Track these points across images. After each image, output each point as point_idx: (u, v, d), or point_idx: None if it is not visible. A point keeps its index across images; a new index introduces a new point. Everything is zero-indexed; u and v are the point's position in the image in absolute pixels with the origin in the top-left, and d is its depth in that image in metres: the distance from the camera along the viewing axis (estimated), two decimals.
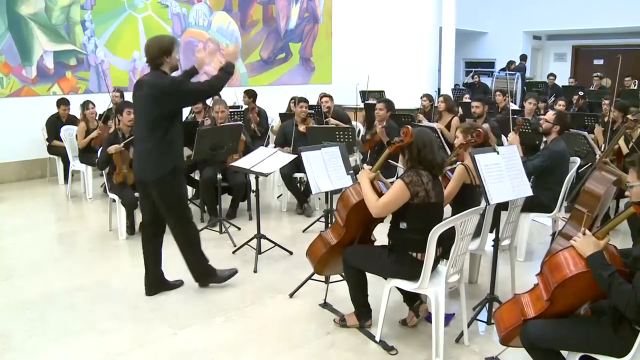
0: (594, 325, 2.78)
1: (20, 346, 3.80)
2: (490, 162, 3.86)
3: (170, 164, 4.26)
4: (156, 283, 4.61)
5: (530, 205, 4.74)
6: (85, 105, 7.89)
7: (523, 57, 16.01)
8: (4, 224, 6.70)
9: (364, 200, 3.63)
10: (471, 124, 4.72)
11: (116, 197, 5.97)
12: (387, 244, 3.73)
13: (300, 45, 12.84)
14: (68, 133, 8.00)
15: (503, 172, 3.87)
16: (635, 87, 13.04)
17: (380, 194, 3.64)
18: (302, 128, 6.86)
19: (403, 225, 3.56)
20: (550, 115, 5.39)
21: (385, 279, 3.72)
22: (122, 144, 5.84)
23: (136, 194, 5.65)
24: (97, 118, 7.85)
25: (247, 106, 8.57)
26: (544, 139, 5.61)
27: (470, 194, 4.25)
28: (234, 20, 11.56)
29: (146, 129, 4.21)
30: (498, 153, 3.95)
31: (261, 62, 12.13)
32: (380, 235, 3.99)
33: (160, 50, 4.15)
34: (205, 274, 4.68)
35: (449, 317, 4.03)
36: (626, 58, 13.15)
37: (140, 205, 4.68)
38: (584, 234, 2.77)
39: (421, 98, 9.08)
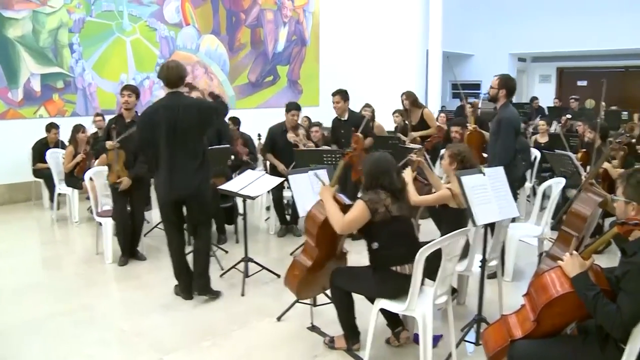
0: (581, 344, 2.79)
1: None
2: (476, 184, 3.89)
3: (210, 178, 4.93)
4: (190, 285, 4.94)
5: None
6: (78, 128, 7.85)
7: None
8: None
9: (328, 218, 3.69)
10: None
11: (103, 220, 5.94)
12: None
13: (288, 68, 12.93)
14: (54, 156, 7.96)
15: (489, 193, 3.90)
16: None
17: (343, 207, 3.69)
18: (290, 136, 6.84)
19: (375, 245, 3.60)
20: (495, 80, 5.32)
21: (372, 301, 3.72)
22: (117, 141, 5.70)
23: (128, 208, 5.87)
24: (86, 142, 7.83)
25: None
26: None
27: (457, 217, 4.28)
28: (222, 44, 11.64)
29: (192, 146, 4.65)
30: (484, 174, 3.98)
31: (249, 85, 12.19)
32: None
33: (179, 76, 4.68)
34: (209, 283, 4.95)
35: (437, 339, 4.01)
36: (609, 80, 13.42)
37: (168, 219, 4.89)
38: (571, 254, 2.79)
39: (393, 115, 9.08)
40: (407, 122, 8.33)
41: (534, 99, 14.57)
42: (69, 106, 9.39)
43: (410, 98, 8.14)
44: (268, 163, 7.24)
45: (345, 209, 3.65)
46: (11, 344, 4.14)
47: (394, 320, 3.99)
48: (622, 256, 2.81)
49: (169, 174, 4.65)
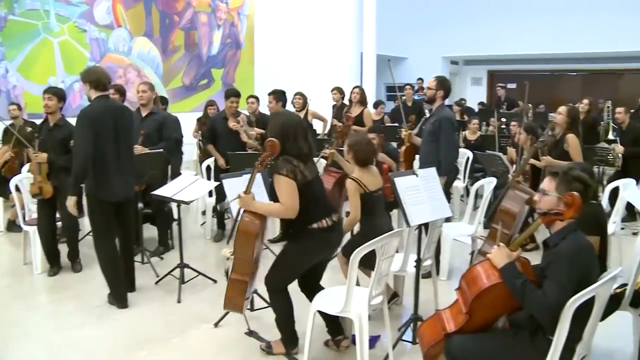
0: (512, 338, 2.91)
1: None
2: (410, 185, 3.96)
3: None
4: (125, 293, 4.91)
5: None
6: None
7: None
8: None
9: (266, 216, 3.68)
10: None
11: (30, 229, 5.72)
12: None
13: (223, 71, 12.83)
14: None
15: (422, 194, 3.97)
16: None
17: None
18: (231, 124, 6.72)
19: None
20: (432, 81, 5.42)
21: (309, 287, 3.89)
22: (36, 149, 5.49)
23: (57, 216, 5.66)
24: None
25: None
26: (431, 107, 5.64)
27: (372, 202, 4.33)
28: (155, 46, 11.44)
29: (131, 150, 4.93)
30: (417, 176, 4.06)
31: (183, 88, 12.02)
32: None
33: (109, 79, 4.78)
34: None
35: (374, 339, 4.06)
36: (537, 83, 13.93)
37: (105, 225, 4.79)
38: (498, 246, 2.90)
39: (332, 92, 8.98)
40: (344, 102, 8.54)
41: (462, 99, 14.94)
42: None
43: (362, 95, 8.18)
44: (204, 165, 7.14)
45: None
46: None
47: (334, 327, 3.99)
48: (545, 250, 2.93)
49: (116, 175, 4.67)
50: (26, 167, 6.69)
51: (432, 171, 4.27)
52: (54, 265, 5.70)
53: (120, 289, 4.82)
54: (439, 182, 4.21)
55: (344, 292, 3.52)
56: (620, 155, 7.58)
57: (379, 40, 13.47)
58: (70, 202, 4.67)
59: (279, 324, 3.86)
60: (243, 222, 3.61)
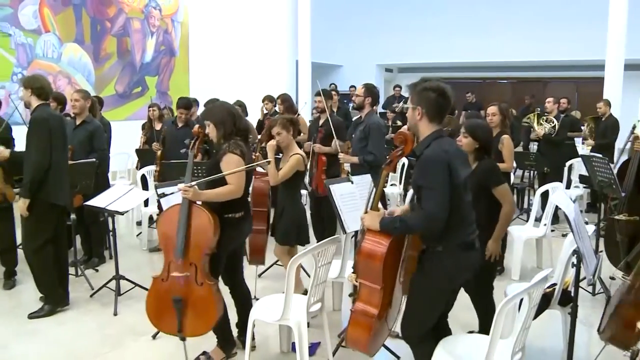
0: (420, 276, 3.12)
1: None
2: (345, 192, 4.05)
3: None
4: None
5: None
6: None
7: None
8: None
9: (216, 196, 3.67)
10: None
11: None
12: None
13: (157, 79, 12.64)
14: None
15: (357, 201, 4.06)
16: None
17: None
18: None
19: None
20: (360, 89, 5.60)
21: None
22: None
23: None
24: None
25: None
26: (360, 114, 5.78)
27: (301, 180, 4.72)
28: (87, 53, 11.16)
29: (66, 157, 4.95)
30: (352, 182, 4.15)
31: (116, 96, 11.77)
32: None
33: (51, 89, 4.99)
34: None
35: (314, 346, 4.11)
36: (469, 90, 14.39)
37: (50, 229, 4.79)
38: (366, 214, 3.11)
39: (263, 102, 8.90)
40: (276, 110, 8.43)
41: (397, 86, 15.23)
42: None
43: (286, 103, 7.86)
44: (139, 174, 7.03)
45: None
46: None
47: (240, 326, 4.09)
48: (415, 160, 3.12)
49: (64, 181, 4.78)
50: None
51: (367, 177, 4.37)
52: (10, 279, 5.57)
53: (59, 289, 4.85)
54: (373, 188, 4.31)
55: (282, 301, 3.56)
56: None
57: (314, 47, 13.60)
58: (24, 204, 4.57)
59: (215, 330, 3.84)
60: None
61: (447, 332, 3.36)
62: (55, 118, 4.78)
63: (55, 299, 4.82)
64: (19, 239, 5.56)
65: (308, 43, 13.27)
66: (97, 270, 5.93)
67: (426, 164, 2.93)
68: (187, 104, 6.76)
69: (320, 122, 6.11)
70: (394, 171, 7.50)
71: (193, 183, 3.57)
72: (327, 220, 5.80)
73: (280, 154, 4.74)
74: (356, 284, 3.15)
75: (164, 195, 3.71)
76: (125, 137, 8.98)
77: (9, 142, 5.53)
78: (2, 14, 9.75)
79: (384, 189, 5.19)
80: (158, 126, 7.50)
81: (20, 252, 5.76)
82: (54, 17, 10.57)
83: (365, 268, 3.06)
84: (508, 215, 3.89)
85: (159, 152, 6.76)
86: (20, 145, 5.05)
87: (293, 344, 3.94)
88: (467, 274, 3.15)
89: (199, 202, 3.63)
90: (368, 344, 3.10)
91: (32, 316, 4.72)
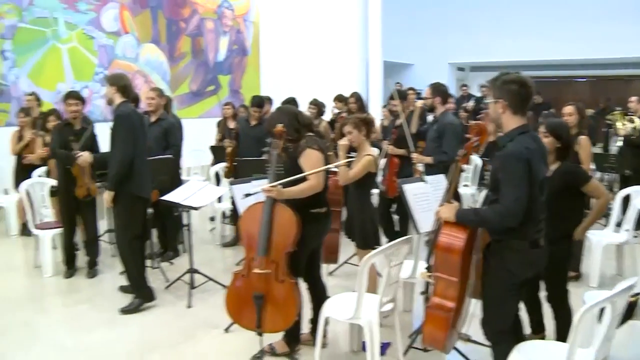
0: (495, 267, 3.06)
1: None
2: (419, 192, 3.99)
3: None
4: None
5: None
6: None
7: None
8: None
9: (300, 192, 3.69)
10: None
11: (40, 233, 5.79)
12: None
13: (230, 77, 12.87)
14: None
15: (431, 201, 4.00)
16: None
17: None
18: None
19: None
20: (427, 90, 5.52)
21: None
22: (78, 151, 5.54)
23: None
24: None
25: None
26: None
27: (372, 181, 4.60)
28: (163, 52, 11.49)
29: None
30: (426, 182, 4.09)
31: (190, 94, 12.07)
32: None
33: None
34: None
35: (385, 346, 4.08)
36: (543, 90, 13.95)
37: (139, 222, 4.95)
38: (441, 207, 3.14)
39: (333, 101, 8.84)
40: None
41: (463, 85, 14.98)
42: (2, 115, 9.06)
43: (358, 102, 7.76)
44: (213, 171, 7.20)
45: None
46: None
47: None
48: (497, 152, 3.09)
49: (146, 175, 4.93)
50: (38, 171, 6.78)
51: (441, 177, 4.31)
52: (70, 268, 5.81)
53: (148, 285, 4.99)
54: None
55: (355, 299, 3.55)
56: None
57: (384, 46, 13.50)
58: (110, 197, 4.76)
59: None
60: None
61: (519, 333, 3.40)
62: (136, 114, 4.96)
63: (144, 294, 4.95)
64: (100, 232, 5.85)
65: (379, 41, 13.17)
66: (172, 264, 6.10)
67: (507, 158, 2.91)
68: (260, 102, 6.85)
69: (397, 123, 6.06)
70: (468, 163, 7.33)
71: (275, 183, 3.61)
72: (400, 220, 5.77)
73: (354, 153, 4.72)
74: (430, 280, 3.16)
75: (249, 195, 3.75)
76: (199, 134, 9.23)
77: (93, 143, 5.81)
78: (87, 19, 10.19)
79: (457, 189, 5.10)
80: (232, 124, 7.63)
81: (102, 244, 6.04)
82: (132, 19, 10.94)
83: (442, 261, 3.07)
84: (603, 207, 3.95)
85: (229, 149, 6.88)
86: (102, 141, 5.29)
87: (363, 343, 3.93)
88: (530, 272, 3.11)
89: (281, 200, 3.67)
90: (445, 340, 3.08)
91: (124, 311, 4.82)
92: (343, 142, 4.42)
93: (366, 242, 4.44)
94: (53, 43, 9.68)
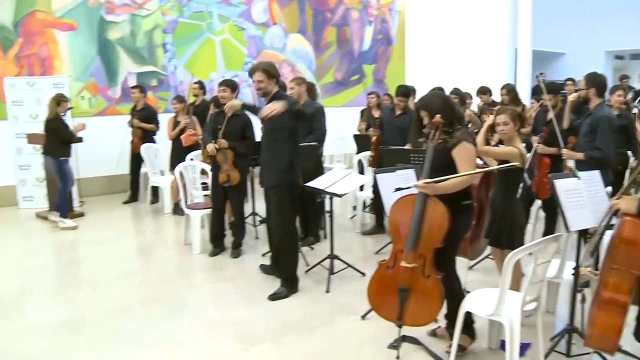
0: None
1: (100, 349, 3.97)
2: (570, 187, 3.76)
3: None
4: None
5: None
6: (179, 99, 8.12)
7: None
8: (89, 235, 7.06)
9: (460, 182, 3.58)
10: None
11: (191, 213, 6.17)
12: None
13: (374, 67, 12.91)
14: (149, 150, 8.32)
15: (584, 198, 3.75)
16: None
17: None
18: None
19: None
20: (582, 81, 5.30)
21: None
22: (219, 142, 5.84)
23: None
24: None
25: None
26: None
27: (519, 179, 4.39)
28: (309, 42, 11.77)
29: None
30: (579, 178, 3.85)
31: (335, 83, 12.26)
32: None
33: None
34: None
35: (525, 347, 3.91)
36: None
37: (294, 209, 5.15)
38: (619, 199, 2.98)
39: (477, 95, 8.66)
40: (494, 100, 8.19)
41: (623, 76, 13.79)
42: (162, 103, 9.81)
43: (511, 93, 7.51)
44: (356, 159, 7.27)
45: None
46: (107, 326, 4.40)
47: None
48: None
49: (298, 162, 5.04)
50: (192, 154, 7.24)
51: (596, 174, 4.02)
52: (217, 246, 6.15)
53: (297, 277, 5.13)
54: (602, 186, 3.95)
55: (496, 295, 3.43)
56: None
57: (534, 34, 12.84)
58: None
59: (450, 310, 3.85)
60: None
61: None
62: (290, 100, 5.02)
63: (294, 282, 5.07)
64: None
65: (529, 29, 12.52)
66: (312, 249, 6.26)
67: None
68: (406, 91, 6.79)
69: (547, 118, 5.73)
70: None
71: (430, 180, 3.53)
72: (546, 218, 5.49)
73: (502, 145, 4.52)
74: (593, 277, 3.04)
75: (400, 189, 3.73)
76: (343, 123, 9.35)
77: (245, 129, 6.04)
78: (239, 11, 10.72)
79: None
80: (376, 113, 7.65)
81: (247, 227, 6.33)
82: (280, 11, 11.31)
83: (624, 254, 2.85)
84: None
85: (374, 138, 6.89)
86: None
87: (502, 341, 3.80)
88: None
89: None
90: (618, 338, 2.86)
91: (272, 298, 4.92)
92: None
93: (510, 244, 4.17)
94: (207, 35, 10.31)
